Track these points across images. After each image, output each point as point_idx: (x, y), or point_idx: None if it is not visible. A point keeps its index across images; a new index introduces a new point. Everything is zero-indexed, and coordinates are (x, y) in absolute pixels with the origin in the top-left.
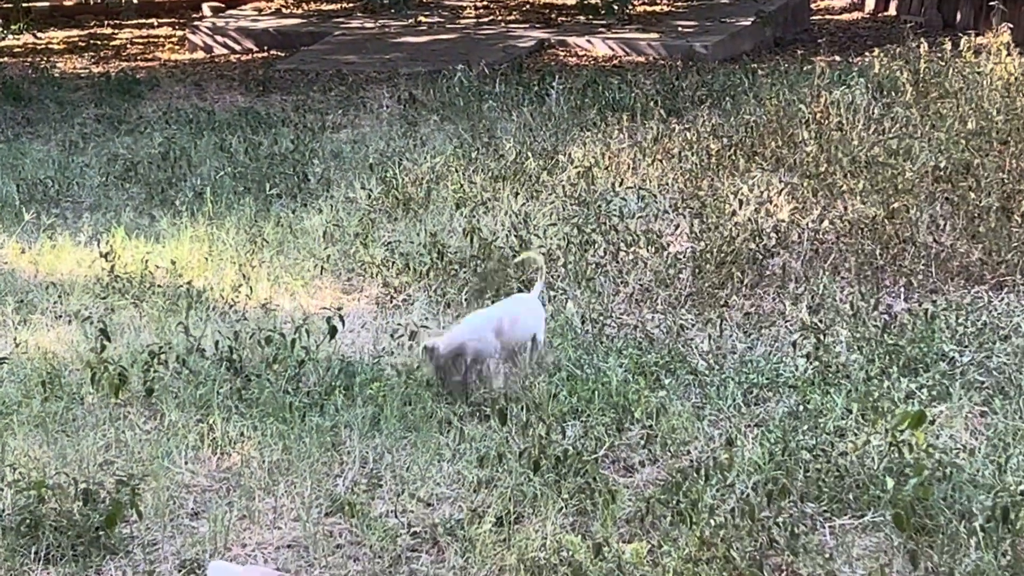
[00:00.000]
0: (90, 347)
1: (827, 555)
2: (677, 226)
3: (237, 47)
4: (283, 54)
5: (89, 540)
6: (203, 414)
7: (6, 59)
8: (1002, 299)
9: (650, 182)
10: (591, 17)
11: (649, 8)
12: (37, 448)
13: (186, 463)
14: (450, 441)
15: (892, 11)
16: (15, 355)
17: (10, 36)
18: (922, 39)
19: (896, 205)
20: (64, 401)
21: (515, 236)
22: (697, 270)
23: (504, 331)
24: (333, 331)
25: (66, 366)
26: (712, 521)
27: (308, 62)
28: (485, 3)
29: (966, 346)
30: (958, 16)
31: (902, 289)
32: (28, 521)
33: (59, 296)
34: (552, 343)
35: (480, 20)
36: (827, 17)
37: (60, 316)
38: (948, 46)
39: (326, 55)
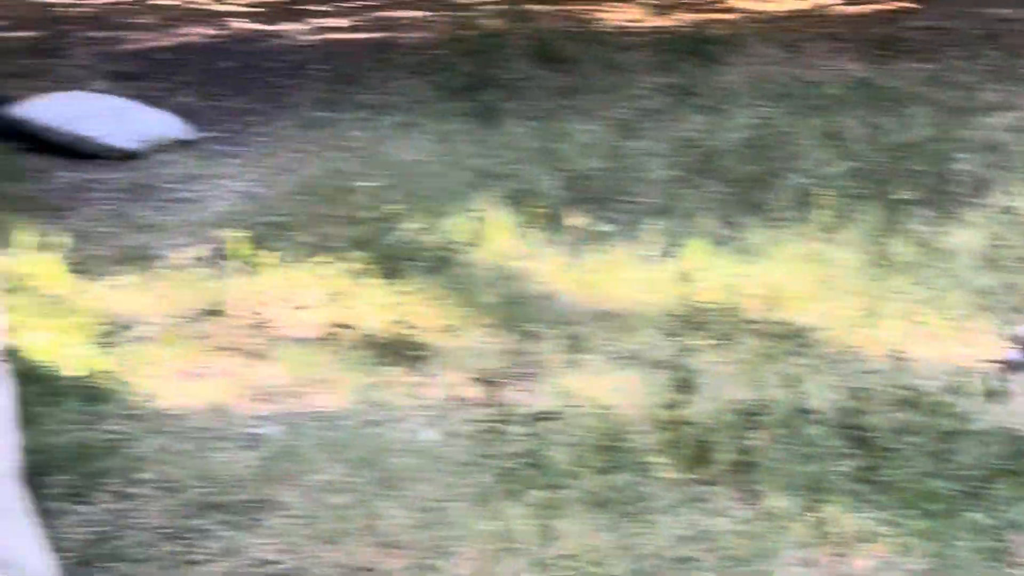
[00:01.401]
0: (661, 402)
1: None
2: None
3: None
4: (915, 5)
5: None
6: (815, 499)
7: (537, 6)
8: None
9: None
10: None
11: None
12: (595, 535)
13: (794, 565)
14: None
15: None
16: (564, 408)
17: None
18: None
19: None
20: (629, 473)
21: None
22: None
23: None
24: (994, 393)
25: (630, 426)
26: None
27: (949, 16)
28: None
29: None
30: None
31: None
32: None
33: (618, 330)
34: None
35: None
36: None
37: (620, 357)
38: None
39: (974, 6)
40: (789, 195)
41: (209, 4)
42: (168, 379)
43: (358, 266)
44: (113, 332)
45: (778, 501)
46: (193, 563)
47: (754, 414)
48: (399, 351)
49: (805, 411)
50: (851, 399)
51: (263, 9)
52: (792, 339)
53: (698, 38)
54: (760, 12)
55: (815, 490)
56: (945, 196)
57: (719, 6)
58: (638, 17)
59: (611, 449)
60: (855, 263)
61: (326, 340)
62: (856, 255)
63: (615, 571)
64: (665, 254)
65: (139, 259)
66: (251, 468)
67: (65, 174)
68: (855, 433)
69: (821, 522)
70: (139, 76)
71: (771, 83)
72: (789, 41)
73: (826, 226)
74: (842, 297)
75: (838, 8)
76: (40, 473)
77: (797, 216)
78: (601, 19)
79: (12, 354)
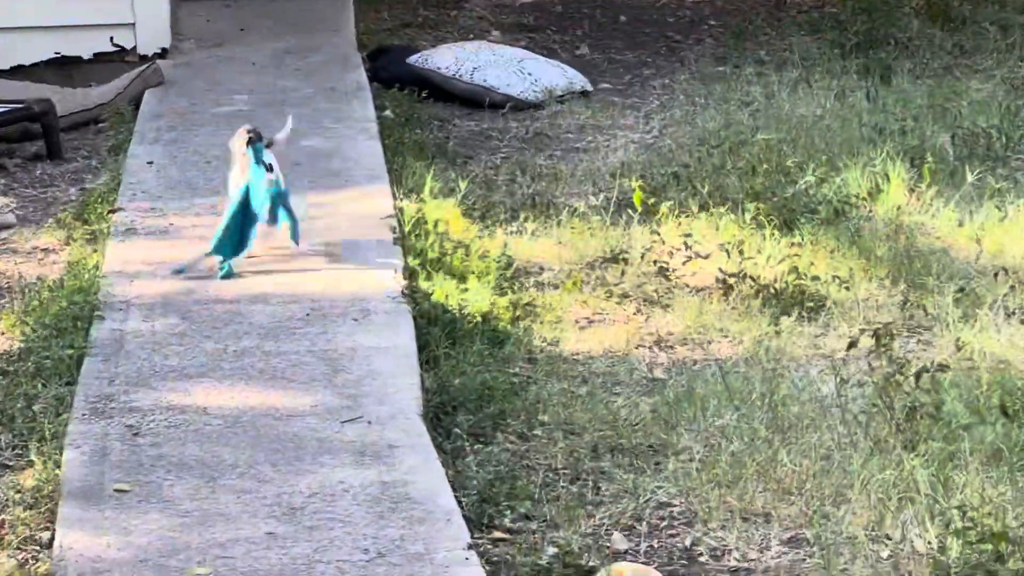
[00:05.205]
0: None
1: None
2: None
3: None
4: None
5: None
6: None
7: None
8: None
9: None
10: None
11: None
12: (992, 488)
13: None
14: None
15: None
16: (957, 362)
17: None
18: None
19: None
20: None
21: None
22: None
23: None
24: None
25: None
26: None
27: None
28: None
29: None
30: None
31: None
32: None
33: (1010, 287)
34: None
35: None
36: None
37: (1013, 313)
38: None
39: None
40: None
41: None
42: (569, 325)
43: (754, 217)
44: (515, 278)
45: None
46: (593, 504)
47: None
48: (794, 302)
49: None
50: None
51: None
52: None
53: None
54: None
55: None
56: None
57: None
58: None
59: (1009, 403)
60: None
61: (724, 289)
62: None
63: (1011, 520)
64: None
65: (539, 206)
66: (650, 413)
67: (466, 123)
68: None
69: None
70: (534, 28)
71: None
72: None
73: None
74: None
75: None
76: (443, 413)
77: None
78: None
79: (413, 296)
